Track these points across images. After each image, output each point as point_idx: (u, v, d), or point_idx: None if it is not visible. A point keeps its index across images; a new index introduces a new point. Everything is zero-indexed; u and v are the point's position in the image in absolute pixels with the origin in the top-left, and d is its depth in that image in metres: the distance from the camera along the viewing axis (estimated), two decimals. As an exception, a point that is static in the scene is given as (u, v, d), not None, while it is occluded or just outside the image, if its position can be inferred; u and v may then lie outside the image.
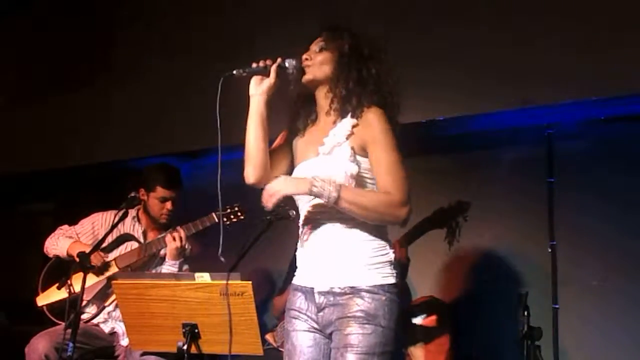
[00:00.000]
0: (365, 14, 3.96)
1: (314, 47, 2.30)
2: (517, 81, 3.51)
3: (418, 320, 3.52)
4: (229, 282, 2.28)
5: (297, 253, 2.32)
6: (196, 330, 2.37)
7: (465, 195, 3.60)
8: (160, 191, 3.52)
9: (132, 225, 3.57)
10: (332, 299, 2.15)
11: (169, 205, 3.54)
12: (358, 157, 2.16)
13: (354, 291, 2.11)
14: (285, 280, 3.75)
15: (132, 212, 3.57)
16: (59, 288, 3.37)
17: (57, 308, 3.44)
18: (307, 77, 2.26)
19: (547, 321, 3.59)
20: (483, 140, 3.97)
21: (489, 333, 3.74)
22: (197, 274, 2.34)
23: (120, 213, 3.29)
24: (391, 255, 2.18)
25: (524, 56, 3.52)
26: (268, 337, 3.66)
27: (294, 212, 3.41)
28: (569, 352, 3.59)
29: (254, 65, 2.24)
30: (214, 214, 3.45)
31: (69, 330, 2.89)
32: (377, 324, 2.09)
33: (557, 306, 3.64)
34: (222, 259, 2.19)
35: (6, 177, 5.17)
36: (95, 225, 3.60)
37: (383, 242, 2.18)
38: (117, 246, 3.51)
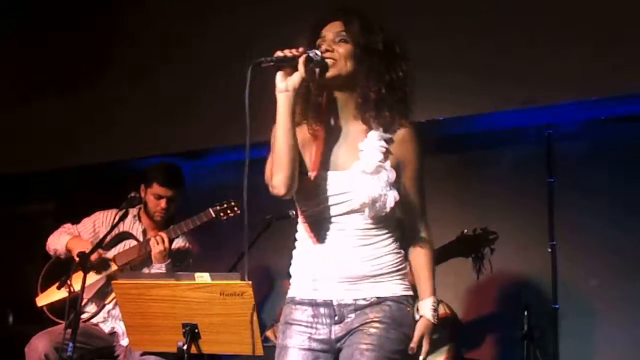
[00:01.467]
0: (366, 12, 3.97)
1: (331, 35, 2.03)
2: (517, 81, 3.51)
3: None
4: (229, 282, 2.28)
5: (299, 263, 2.17)
6: (196, 330, 2.37)
7: (465, 195, 3.61)
8: (155, 188, 3.53)
9: (132, 223, 3.57)
10: (354, 310, 2.04)
11: (163, 203, 3.53)
12: (397, 180, 2.04)
13: (380, 300, 2.04)
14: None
15: (134, 211, 3.58)
16: (58, 288, 3.38)
17: (57, 308, 3.45)
18: (332, 72, 1.98)
19: (547, 321, 3.59)
20: (483, 140, 3.97)
21: (489, 333, 3.74)
22: (197, 274, 2.33)
23: (121, 212, 3.31)
24: (407, 269, 2.14)
25: (524, 56, 3.53)
26: (268, 333, 3.66)
27: (294, 212, 3.41)
28: (569, 352, 3.60)
29: (280, 53, 1.95)
30: (210, 210, 3.46)
31: (69, 330, 2.89)
32: (402, 332, 2.03)
33: (557, 306, 3.65)
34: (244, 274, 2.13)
35: (6, 177, 5.17)
36: (96, 224, 3.61)
37: (401, 255, 2.12)
38: (116, 244, 3.52)
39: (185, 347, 2.35)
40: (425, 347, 2.05)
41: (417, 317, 2.09)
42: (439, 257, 3.28)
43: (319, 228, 2.07)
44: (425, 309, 2.08)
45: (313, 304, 2.09)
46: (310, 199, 2.06)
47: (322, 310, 2.07)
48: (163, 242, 3.38)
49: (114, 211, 3.60)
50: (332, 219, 2.04)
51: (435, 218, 3.46)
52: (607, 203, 3.59)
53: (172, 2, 4.93)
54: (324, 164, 2.06)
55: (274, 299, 4.32)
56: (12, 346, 3.48)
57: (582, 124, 3.76)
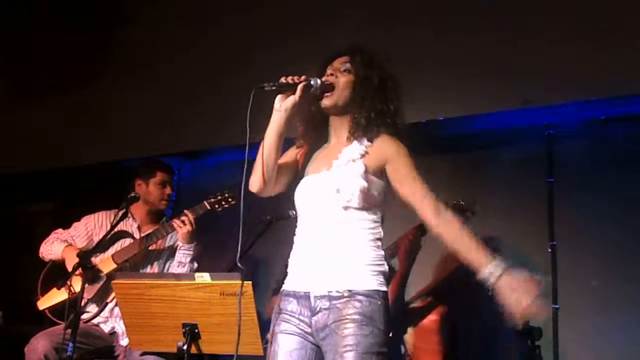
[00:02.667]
0: (366, 15, 3.97)
1: (339, 65, 2.33)
2: (517, 81, 3.51)
3: (416, 304, 3.55)
4: (229, 282, 2.28)
5: (291, 259, 2.35)
6: (196, 330, 2.37)
7: (465, 195, 3.60)
8: (160, 175, 3.64)
9: (126, 221, 3.57)
10: (328, 302, 2.17)
11: (168, 190, 3.65)
12: (370, 176, 2.23)
13: (352, 294, 2.15)
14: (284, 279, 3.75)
15: None
16: (59, 289, 3.38)
17: (59, 310, 3.44)
18: (327, 102, 2.29)
19: (547, 321, 3.59)
20: (483, 140, 3.97)
21: (489, 333, 3.74)
22: (197, 274, 2.34)
23: (121, 213, 3.31)
24: (385, 267, 2.25)
25: (524, 56, 3.53)
26: (269, 336, 3.65)
27: (294, 212, 3.42)
28: (569, 352, 3.59)
29: (283, 80, 2.24)
30: (205, 202, 3.50)
31: (69, 331, 2.89)
32: (375, 326, 2.13)
33: (557, 306, 3.64)
34: (240, 265, 2.20)
35: (6, 177, 5.16)
36: (88, 227, 3.62)
37: (380, 254, 2.25)
38: (113, 243, 3.53)
39: (185, 347, 2.35)
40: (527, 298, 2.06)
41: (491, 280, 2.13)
42: (423, 230, 3.36)
43: (303, 224, 2.32)
44: (497, 271, 2.16)
45: (297, 295, 2.25)
46: (297, 200, 2.34)
47: (303, 302, 2.23)
48: (190, 223, 3.43)
49: (104, 213, 3.65)
50: (312, 215, 2.28)
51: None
52: (607, 203, 3.58)
53: (173, 3, 4.93)
54: (312, 170, 2.35)
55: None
56: (12, 346, 3.47)
57: (582, 124, 3.76)
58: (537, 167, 3.81)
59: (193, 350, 2.39)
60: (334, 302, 2.16)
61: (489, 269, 2.13)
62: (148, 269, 3.53)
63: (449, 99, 3.61)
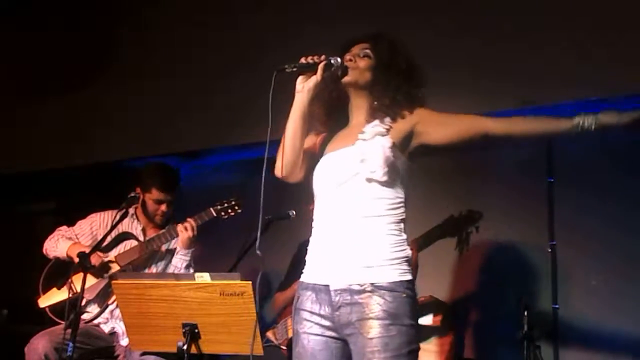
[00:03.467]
0: (365, 15, 3.97)
1: (357, 50, 2.27)
2: (517, 81, 3.51)
3: (426, 321, 3.52)
4: (229, 282, 2.28)
5: (310, 246, 2.25)
6: (196, 330, 2.37)
7: (465, 195, 3.61)
8: (155, 193, 3.54)
9: (130, 223, 3.57)
10: (349, 297, 2.08)
11: (163, 207, 3.56)
12: (397, 151, 2.16)
13: (374, 288, 2.06)
14: (287, 276, 3.75)
15: (131, 210, 3.57)
16: (59, 288, 3.38)
17: (59, 309, 3.44)
18: (350, 78, 2.23)
19: (547, 321, 3.59)
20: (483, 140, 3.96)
21: (489, 333, 3.74)
22: (197, 274, 2.34)
23: (121, 213, 3.31)
24: (409, 252, 2.15)
25: (524, 56, 3.53)
26: (269, 334, 3.66)
27: (294, 212, 3.42)
28: (569, 352, 3.59)
29: (303, 60, 2.19)
30: (211, 209, 3.48)
31: (69, 330, 2.89)
32: (401, 323, 2.04)
33: (557, 306, 3.64)
34: (259, 252, 2.11)
35: (6, 177, 5.17)
36: (93, 226, 3.61)
37: (402, 238, 2.15)
38: (117, 245, 3.52)
39: (185, 347, 2.35)
40: None
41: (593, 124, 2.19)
42: (427, 239, 3.35)
43: (321, 207, 2.22)
44: (587, 117, 2.25)
45: (315, 288, 2.16)
46: (317, 179, 2.25)
47: (323, 295, 2.14)
48: (192, 229, 3.41)
49: (110, 212, 3.62)
50: (331, 194, 2.18)
51: (435, 218, 3.51)
52: (607, 203, 3.58)
53: (173, 3, 4.93)
54: (331, 149, 2.26)
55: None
56: (12, 346, 3.47)
57: (582, 124, 3.76)
58: (537, 167, 3.81)
59: (193, 350, 2.39)
60: (356, 296, 2.07)
61: (577, 120, 2.26)
62: (173, 260, 3.51)
63: (449, 99, 3.61)
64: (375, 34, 2.32)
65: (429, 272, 3.85)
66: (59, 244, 3.51)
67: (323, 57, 2.18)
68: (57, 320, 3.43)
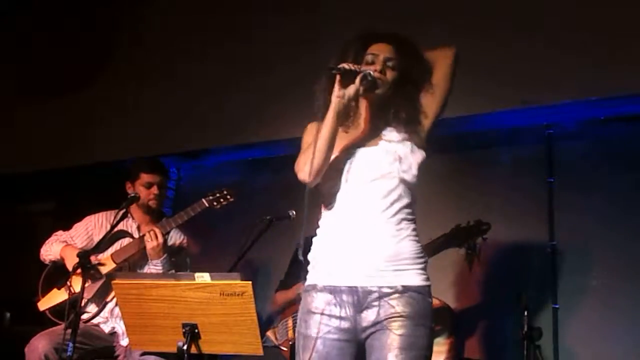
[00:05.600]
0: (366, 15, 3.97)
1: (382, 57, 2.23)
2: (517, 81, 3.51)
3: None
4: (229, 282, 2.28)
5: (321, 248, 2.20)
6: (196, 330, 2.37)
7: (465, 194, 3.60)
8: (144, 177, 3.58)
9: (125, 221, 3.58)
10: (379, 297, 2.07)
11: (155, 190, 3.58)
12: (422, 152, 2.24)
13: (405, 290, 2.07)
14: (288, 276, 3.75)
15: None
16: (58, 289, 3.38)
17: (59, 310, 3.44)
18: (379, 91, 2.21)
19: (547, 321, 3.59)
20: (483, 140, 3.97)
21: (489, 333, 3.74)
22: (197, 274, 2.34)
23: (121, 213, 3.32)
24: (427, 257, 2.19)
25: (524, 56, 3.53)
26: (269, 334, 3.66)
27: (294, 212, 3.41)
28: (569, 352, 3.59)
29: (346, 66, 2.15)
30: (203, 200, 3.49)
31: (69, 331, 2.89)
32: (427, 326, 2.09)
33: (557, 306, 3.65)
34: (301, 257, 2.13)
35: (6, 177, 5.17)
36: (88, 227, 3.62)
37: (420, 243, 2.19)
38: (112, 243, 3.53)
39: (185, 347, 2.35)
40: None
41: None
42: (433, 248, 3.32)
43: (342, 207, 2.17)
44: None
45: (337, 290, 2.11)
46: (337, 173, 2.19)
47: (345, 297, 2.09)
48: (157, 237, 3.39)
49: (105, 213, 3.64)
50: (361, 189, 2.15)
51: (434, 217, 3.51)
52: (607, 203, 3.58)
53: (173, 4, 4.94)
54: (351, 149, 2.23)
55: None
56: (12, 346, 3.47)
57: (582, 124, 3.76)
58: (537, 167, 3.81)
59: (193, 350, 2.39)
60: (386, 298, 2.06)
61: None
62: (145, 269, 3.52)
63: (449, 99, 3.61)
64: (400, 39, 2.29)
65: (429, 272, 3.87)
66: (53, 247, 3.54)
67: (363, 67, 2.18)
68: (57, 321, 3.43)
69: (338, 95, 2.14)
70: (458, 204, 3.88)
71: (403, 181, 2.15)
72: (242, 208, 3.58)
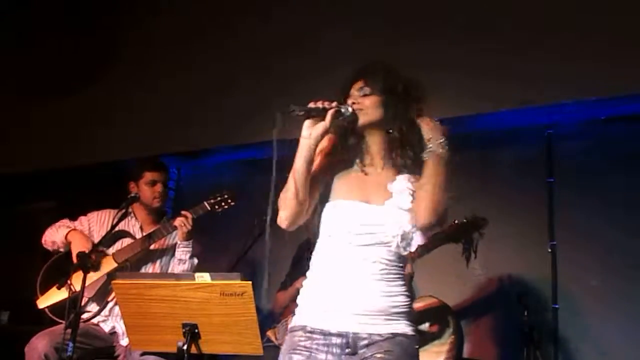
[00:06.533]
0: (365, 18, 3.97)
1: (355, 91, 2.22)
2: (517, 81, 3.51)
3: (424, 327, 3.51)
4: (229, 282, 2.28)
5: (315, 293, 2.17)
6: (196, 330, 2.37)
7: (464, 195, 3.60)
8: (148, 175, 3.61)
9: (127, 221, 3.59)
10: (368, 344, 2.08)
11: (158, 188, 3.61)
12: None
13: (394, 335, 2.10)
14: (289, 276, 3.76)
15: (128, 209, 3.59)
16: (58, 288, 3.38)
17: (58, 309, 3.44)
18: (364, 120, 2.18)
19: (547, 321, 3.59)
20: (483, 140, 3.97)
21: (489, 333, 3.74)
22: (197, 274, 2.34)
23: (122, 212, 3.33)
24: (413, 307, 2.21)
25: (524, 56, 3.53)
26: (269, 333, 3.66)
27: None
28: (569, 352, 3.60)
29: (312, 105, 2.11)
30: (205, 203, 3.50)
31: (69, 330, 2.89)
32: None
33: (557, 306, 3.65)
34: None
35: (6, 177, 5.17)
36: (91, 224, 3.63)
37: (410, 297, 2.19)
38: (113, 242, 3.54)
39: (185, 347, 2.35)
40: None
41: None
42: (433, 245, 3.32)
43: (342, 257, 2.15)
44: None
45: (326, 333, 2.11)
46: (340, 224, 2.16)
47: (334, 340, 2.10)
48: (189, 222, 3.45)
49: (107, 211, 3.66)
50: (358, 249, 2.13)
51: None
52: (607, 203, 3.58)
53: (174, 4, 4.94)
54: (356, 196, 2.18)
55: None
56: (12, 346, 3.47)
57: (582, 124, 3.76)
58: (537, 167, 3.81)
59: (193, 350, 2.39)
60: (376, 343, 2.08)
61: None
62: (150, 267, 3.53)
63: (449, 99, 3.62)
64: (366, 67, 2.28)
65: (429, 272, 3.87)
66: (60, 230, 3.57)
67: (335, 104, 2.13)
68: (57, 320, 3.43)
69: (303, 136, 2.11)
70: (458, 204, 3.87)
71: (400, 250, 2.14)
72: (242, 208, 3.58)
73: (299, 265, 3.75)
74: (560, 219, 3.72)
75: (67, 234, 3.52)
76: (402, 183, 2.18)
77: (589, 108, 3.60)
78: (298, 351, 2.10)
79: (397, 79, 2.24)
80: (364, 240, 2.13)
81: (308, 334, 2.11)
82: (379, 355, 2.05)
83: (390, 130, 2.20)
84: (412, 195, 2.14)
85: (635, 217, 3.51)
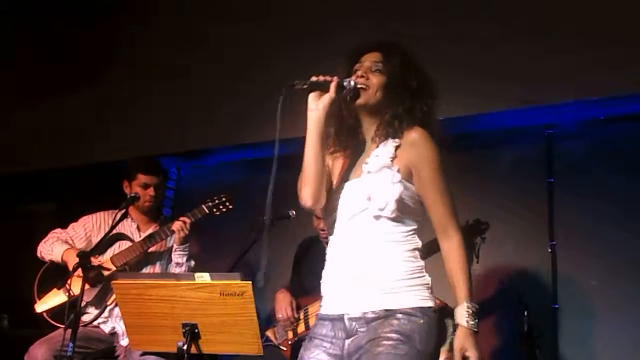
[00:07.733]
0: (365, 16, 3.97)
1: (369, 63, 2.16)
2: (517, 81, 3.51)
3: None
4: (229, 282, 2.28)
5: (323, 278, 2.17)
6: (196, 330, 2.37)
7: (465, 194, 3.60)
8: (141, 178, 3.58)
9: (124, 221, 3.57)
10: (365, 325, 2.02)
11: (151, 191, 3.59)
12: (405, 182, 2.07)
13: (389, 314, 2.00)
14: (290, 277, 3.75)
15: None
16: (58, 288, 3.38)
17: (57, 312, 3.43)
18: (361, 101, 2.12)
19: (547, 321, 3.59)
20: (483, 140, 3.97)
21: (489, 333, 3.74)
22: (197, 274, 2.34)
23: (121, 213, 3.32)
24: (428, 279, 2.10)
25: (524, 56, 3.53)
26: (268, 333, 3.65)
27: (294, 212, 3.41)
28: (569, 352, 3.60)
29: (314, 78, 2.09)
30: (203, 206, 3.50)
31: (69, 332, 2.87)
32: (412, 346, 1.96)
33: (557, 306, 3.65)
34: None
35: (6, 177, 5.17)
36: (87, 228, 3.61)
37: (418, 265, 2.09)
38: (110, 245, 3.53)
39: (185, 347, 2.35)
40: (472, 356, 1.96)
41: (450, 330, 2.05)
42: (431, 248, 3.29)
43: (334, 239, 2.15)
44: (460, 317, 2.01)
45: (331, 318, 2.11)
46: (330, 209, 2.16)
47: (338, 324, 2.08)
48: (187, 227, 3.45)
49: (103, 213, 3.65)
50: (342, 227, 2.12)
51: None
52: (607, 203, 3.59)
53: (174, 3, 4.94)
54: (345, 177, 2.17)
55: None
56: (12, 350, 3.46)
57: (582, 124, 3.77)
58: (537, 167, 3.81)
59: (193, 350, 2.39)
60: (371, 323, 2.01)
61: (456, 312, 2.05)
62: (149, 269, 3.52)
63: (449, 99, 3.60)
64: (388, 43, 2.21)
65: (429, 273, 3.87)
66: (55, 248, 3.51)
67: (335, 77, 2.08)
68: (56, 324, 3.41)
69: (310, 108, 2.09)
70: (458, 204, 3.87)
71: (380, 217, 2.05)
72: (241, 208, 3.58)
73: (299, 265, 3.75)
74: (560, 219, 3.72)
75: (62, 255, 3.47)
76: (381, 149, 2.11)
77: (589, 108, 3.61)
78: (311, 338, 2.13)
79: (412, 73, 2.17)
80: (344, 216, 2.11)
81: (319, 322, 2.14)
82: (373, 350, 1.97)
83: (385, 114, 2.13)
84: (391, 158, 2.08)
85: (635, 217, 3.51)
